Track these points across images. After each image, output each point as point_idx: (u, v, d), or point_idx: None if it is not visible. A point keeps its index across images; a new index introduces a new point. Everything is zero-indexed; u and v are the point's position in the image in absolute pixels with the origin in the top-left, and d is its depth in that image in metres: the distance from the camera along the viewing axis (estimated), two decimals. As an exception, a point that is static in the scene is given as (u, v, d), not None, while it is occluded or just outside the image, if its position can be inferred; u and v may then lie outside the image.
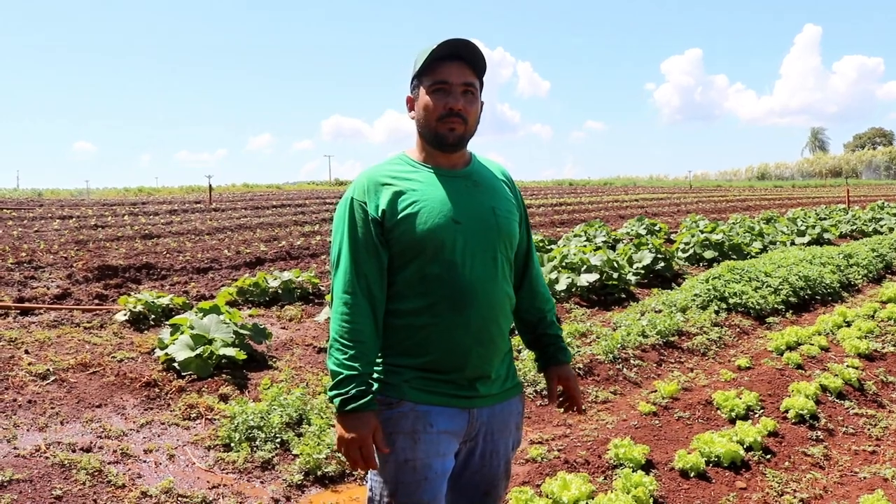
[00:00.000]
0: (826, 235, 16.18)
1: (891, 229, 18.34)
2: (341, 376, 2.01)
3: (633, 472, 3.81)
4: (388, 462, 2.08)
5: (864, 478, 4.10)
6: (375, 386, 2.11)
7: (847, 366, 5.85)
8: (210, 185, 34.11)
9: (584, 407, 5.15)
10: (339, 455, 4.13)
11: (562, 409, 2.46)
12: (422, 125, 2.16)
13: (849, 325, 7.42)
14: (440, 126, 2.12)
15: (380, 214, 2.08)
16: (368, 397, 2.02)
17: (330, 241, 12.75)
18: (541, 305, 2.39)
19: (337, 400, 2.01)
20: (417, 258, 2.08)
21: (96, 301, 8.53)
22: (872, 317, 7.87)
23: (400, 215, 2.07)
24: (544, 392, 5.36)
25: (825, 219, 20.24)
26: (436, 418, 2.08)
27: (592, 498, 3.58)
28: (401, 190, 2.10)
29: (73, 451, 4.17)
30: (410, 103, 2.21)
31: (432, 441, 2.07)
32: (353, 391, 2.00)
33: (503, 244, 2.19)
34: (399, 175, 2.14)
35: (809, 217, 19.99)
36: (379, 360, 2.14)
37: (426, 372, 2.11)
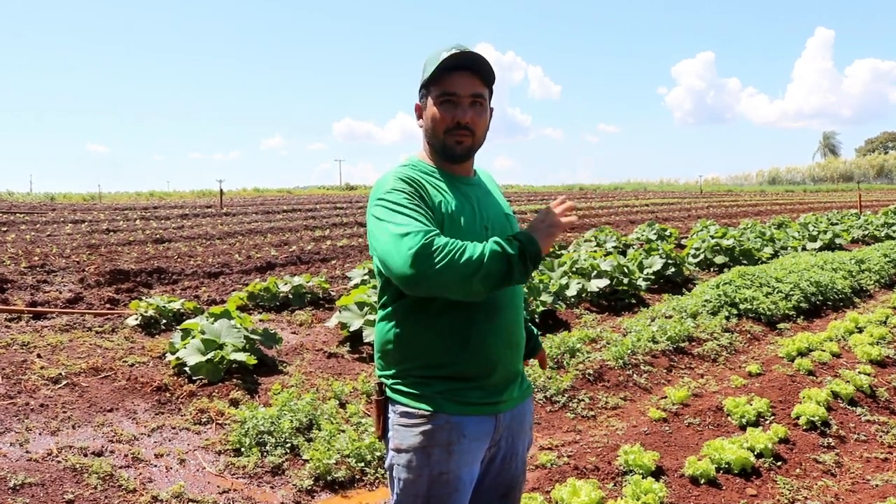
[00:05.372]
0: (838, 241, 16.10)
1: (903, 234, 18.21)
2: (486, 249, 1.85)
3: (642, 478, 3.80)
4: (421, 476, 2.04)
5: (877, 485, 4.08)
6: (406, 399, 2.05)
7: (859, 372, 5.82)
8: (221, 190, 34.22)
9: (593, 413, 5.17)
10: (350, 460, 4.14)
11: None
12: (430, 135, 2.15)
13: (861, 331, 7.38)
14: (448, 138, 2.11)
15: (431, 205, 2.03)
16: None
17: (346, 246, 12.55)
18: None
19: (520, 252, 1.87)
20: None
21: (108, 305, 8.58)
22: (885, 323, 7.82)
23: (443, 222, 2.03)
24: (554, 398, 5.35)
25: (837, 224, 20.13)
26: (468, 428, 2.05)
27: (602, 504, 3.57)
28: (437, 196, 2.06)
29: (85, 454, 4.19)
30: (419, 111, 2.20)
31: (464, 451, 2.05)
32: (502, 240, 1.88)
33: None
34: (429, 182, 2.10)
35: (821, 222, 19.89)
36: (408, 373, 2.08)
37: (457, 381, 2.06)
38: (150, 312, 7.44)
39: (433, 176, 2.13)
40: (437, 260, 1.79)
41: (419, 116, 2.20)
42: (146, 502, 3.71)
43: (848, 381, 5.53)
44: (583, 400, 5.39)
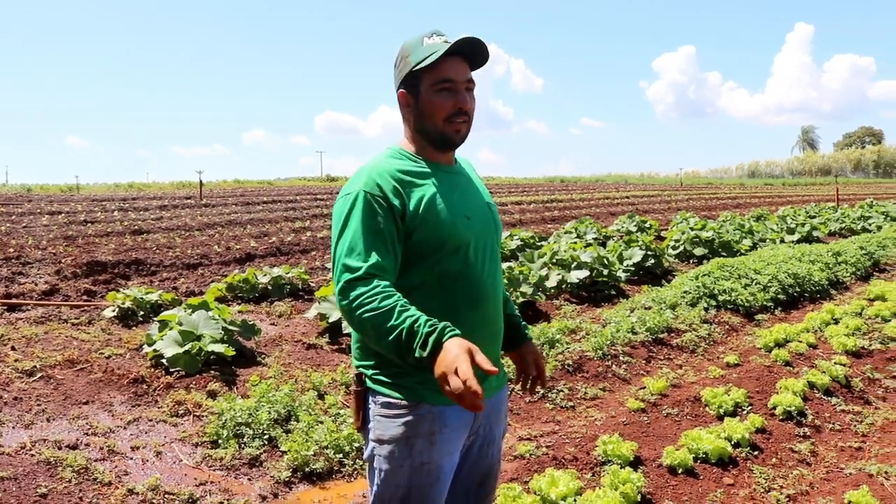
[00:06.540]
0: (815, 233, 16.25)
1: (879, 227, 18.41)
2: (405, 327, 1.78)
3: (621, 468, 3.82)
4: (403, 467, 2.02)
5: (850, 474, 4.12)
6: (387, 389, 2.03)
7: (834, 363, 5.88)
8: (200, 181, 33.99)
9: (572, 404, 5.18)
10: (328, 451, 4.12)
11: (528, 386, 2.40)
12: (423, 124, 2.09)
13: (837, 322, 7.46)
14: (447, 127, 2.06)
15: (402, 210, 1.99)
16: (441, 324, 1.78)
17: (325, 237, 12.48)
18: (503, 290, 2.39)
19: (421, 349, 1.75)
20: (435, 256, 2.02)
21: (84, 297, 8.49)
22: (860, 314, 7.90)
23: (421, 212, 2.00)
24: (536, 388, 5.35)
25: (815, 217, 20.35)
26: (449, 417, 2.03)
27: (580, 494, 3.58)
28: (417, 187, 2.03)
29: (60, 448, 4.14)
30: (405, 98, 2.11)
31: (446, 441, 2.04)
32: (425, 328, 1.77)
33: (498, 238, 2.23)
34: (410, 171, 2.06)
35: (799, 215, 20.07)
36: (388, 363, 2.03)
37: None
38: (128, 304, 7.37)
39: (417, 164, 2.10)
40: (355, 305, 1.86)
41: (405, 104, 2.12)
42: (121, 495, 3.67)
43: (824, 372, 5.58)
44: (562, 391, 5.40)
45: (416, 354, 1.76)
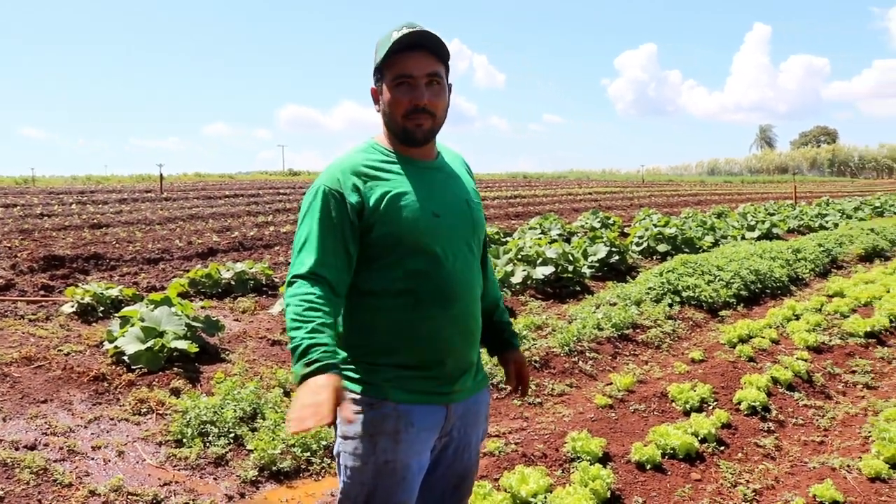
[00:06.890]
0: (775, 230, 16.54)
1: (836, 225, 18.85)
2: (304, 345, 1.82)
3: (590, 465, 3.82)
4: (367, 464, 2.00)
5: (814, 468, 4.18)
6: (353, 386, 2.01)
7: (797, 358, 5.98)
8: (161, 174, 33.35)
9: (540, 400, 5.19)
10: (295, 450, 4.07)
11: (515, 393, 2.41)
12: (388, 120, 2.08)
13: (798, 318, 7.58)
14: (407, 123, 2.04)
15: (359, 206, 1.98)
16: (334, 360, 1.82)
17: (289, 232, 12.41)
18: (494, 293, 2.39)
19: (299, 365, 1.81)
20: (398, 252, 2.00)
21: (42, 292, 8.29)
22: (820, 310, 8.05)
23: (382, 208, 1.98)
24: (501, 385, 5.35)
25: (774, 214, 20.71)
26: (416, 417, 2.01)
27: (550, 491, 3.57)
28: (380, 182, 2.02)
29: (17, 448, 4.02)
30: (375, 95, 2.12)
31: (412, 440, 2.01)
32: (317, 354, 1.80)
33: (477, 235, 2.19)
34: (376, 166, 2.05)
35: (759, 212, 20.43)
36: (357, 359, 2.04)
37: (407, 369, 2.02)
38: (87, 299, 7.21)
39: (387, 159, 2.07)
40: (288, 301, 1.92)
41: (376, 101, 2.12)
42: (83, 497, 3.57)
43: (786, 367, 5.67)
44: (529, 387, 5.39)
45: (299, 371, 1.80)
